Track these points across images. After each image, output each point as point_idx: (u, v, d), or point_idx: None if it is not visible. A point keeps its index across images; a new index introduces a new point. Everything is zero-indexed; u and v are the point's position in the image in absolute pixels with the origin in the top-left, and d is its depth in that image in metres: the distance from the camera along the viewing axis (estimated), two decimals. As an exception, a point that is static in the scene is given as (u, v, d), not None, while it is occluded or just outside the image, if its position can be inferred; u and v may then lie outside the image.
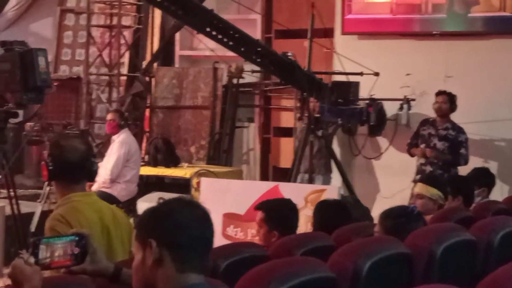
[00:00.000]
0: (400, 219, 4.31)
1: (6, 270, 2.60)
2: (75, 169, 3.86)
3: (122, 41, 11.58)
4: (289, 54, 8.81)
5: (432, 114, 9.24)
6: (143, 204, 8.53)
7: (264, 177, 11.45)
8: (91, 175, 4.03)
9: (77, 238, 2.83)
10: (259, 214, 4.86)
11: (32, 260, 2.64)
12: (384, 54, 10.11)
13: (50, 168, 3.84)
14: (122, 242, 3.89)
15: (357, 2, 10.37)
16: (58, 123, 10.04)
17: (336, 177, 9.65)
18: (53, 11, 12.44)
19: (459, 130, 8.99)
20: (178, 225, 2.57)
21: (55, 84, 8.87)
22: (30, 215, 7.90)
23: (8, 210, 5.68)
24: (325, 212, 5.09)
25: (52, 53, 11.86)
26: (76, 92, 11.68)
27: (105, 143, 10.50)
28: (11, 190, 5.46)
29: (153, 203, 2.72)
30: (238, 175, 10.60)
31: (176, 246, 2.56)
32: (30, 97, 4.84)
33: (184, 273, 2.56)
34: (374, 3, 10.40)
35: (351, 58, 9.72)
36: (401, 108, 9.99)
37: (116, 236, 3.88)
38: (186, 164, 10.62)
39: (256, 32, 11.29)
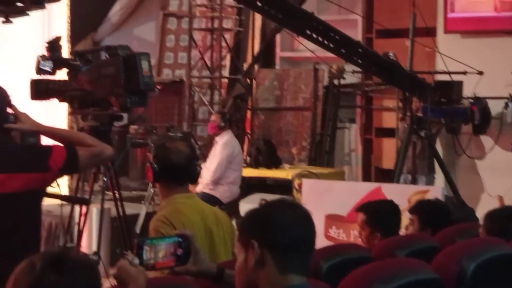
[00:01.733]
0: (505, 220, 4.22)
1: (112, 271, 2.64)
2: (179, 171, 3.92)
3: (223, 44, 11.68)
4: (390, 54, 8.73)
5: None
6: (245, 206, 8.57)
7: (366, 178, 11.38)
8: (194, 177, 4.08)
9: (180, 239, 2.85)
10: (361, 216, 4.83)
11: (136, 261, 2.67)
12: (488, 53, 9.91)
13: (155, 170, 3.91)
14: (224, 243, 3.91)
15: (460, 1, 10.21)
16: (161, 125, 10.18)
17: (439, 178, 9.52)
18: (155, 15, 12.64)
19: None
20: (280, 227, 2.58)
21: (158, 87, 8.99)
22: (135, 216, 8.04)
23: (113, 212, 5.79)
24: (425, 212, 5.03)
25: (155, 57, 12.05)
26: (178, 95, 11.83)
27: (208, 145, 10.61)
28: (116, 192, 5.56)
29: (255, 205, 2.73)
30: (340, 176, 10.55)
31: (278, 247, 2.56)
32: (133, 101, 4.92)
33: (285, 274, 2.56)
34: (478, 1, 10.21)
35: (454, 57, 9.57)
36: (506, 106, 9.78)
37: (218, 237, 3.91)
38: (288, 166, 10.64)
39: (357, 33, 11.23)
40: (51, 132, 3.79)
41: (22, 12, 4.62)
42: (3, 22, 4.61)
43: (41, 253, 2.22)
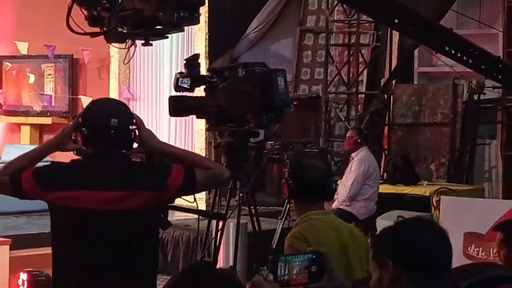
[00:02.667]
0: None
1: (248, 286, 2.67)
2: (314, 188, 3.92)
3: (360, 59, 11.64)
4: (532, 68, 8.49)
5: None
6: (382, 222, 8.48)
7: (507, 195, 11.06)
8: (330, 194, 4.07)
9: (315, 256, 2.84)
10: (499, 235, 4.68)
11: (271, 277, 2.68)
12: None
13: (291, 186, 3.92)
14: (359, 261, 3.88)
15: None
16: (297, 141, 10.20)
17: None
18: (293, 32, 12.71)
19: None
20: (416, 246, 2.54)
21: (295, 103, 9.03)
22: (271, 232, 8.08)
23: (250, 227, 5.83)
24: None
25: (292, 73, 12.11)
26: (315, 110, 11.85)
27: (344, 161, 10.57)
28: (252, 207, 5.60)
29: (392, 222, 2.70)
30: (479, 194, 10.31)
31: (413, 267, 2.52)
32: (269, 117, 4.94)
33: (421, 294, 2.52)
34: None
35: None
36: None
37: (353, 254, 3.88)
38: (426, 182, 10.47)
39: (497, 47, 10.97)
40: (171, 153, 3.83)
41: (161, 35, 4.70)
42: (143, 44, 4.71)
43: (191, 270, 2.25)
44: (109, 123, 3.62)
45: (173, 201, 3.75)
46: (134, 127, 3.73)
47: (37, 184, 3.57)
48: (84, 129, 3.66)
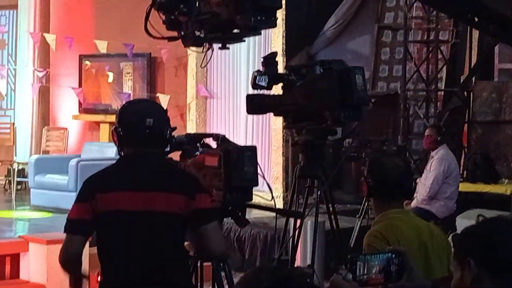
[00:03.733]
0: None
1: (326, 285, 2.65)
2: (394, 186, 3.89)
3: (440, 56, 11.49)
4: None
5: None
6: (462, 221, 8.35)
7: None
8: (409, 193, 4.04)
9: (394, 255, 2.81)
10: None
11: (350, 276, 2.66)
12: None
13: (370, 184, 3.90)
14: (439, 259, 3.83)
15: None
16: (375, 139, 10.13)
17: None
18: (370, 28, 12.62)
19: None
20: (499, 246, 2.48)
21: (373, 100, 8.97)
22: (349, 230, 8.03)
23: (327, 225, 5.80)
24: None
25: (370, 70, 12.02)
26: (393, 108, 11.74)
27: (423, 159, 10.45)
28: (330, 205, 5.57)
29: (472, 221, 2.65)
30: None
31: (496, 267, 2.47)
32: (347, 115, 4.91)
33: (505, 294, 2.47)
34: None
35: None
36: None
37: (433, 253, 3.83)
38: (506, 181, 10.29)
39: None
40: None
41: (238, 39, 4.72)
42: (220, 48, 4.73)
43: (270, 270, 2.24)
44: (145, 123, 3.65)
45: (186, 220, 3.70)
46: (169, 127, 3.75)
47: (79, 203, 3.64)
48: (120, 129, 3.70)
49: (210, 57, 4.74)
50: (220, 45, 4.74)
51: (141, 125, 3.65)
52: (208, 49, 4.72)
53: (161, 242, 3.63)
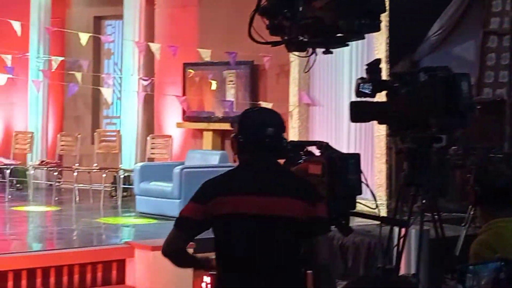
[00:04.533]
0: None
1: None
2: (501, 194, 3.82)
3: None
4: None
5: None
6: None
7: None
8: (518, 201, 3.95)
9: (503, 263, 2.75)
10: None
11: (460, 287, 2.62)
12: None
13: (477, 192, 3.84)
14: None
15: None
16: (481, 146, 9.94)
17: None
18: (475, 34, 12.38)
19: None
20: None
21: (478, 107, 8.81)
22: (454, 239, 7.90)
23: (432, 234, 5.72)
24: None
25: (475, 76, 11.80)
26: (499, 114, 11.49)
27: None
28: (435, 213, 5.49)
29: None
30: None
31: None
32: (453, 122, 4.85)
33: None
34: None
35: None
36: None
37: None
38: None
39: None
40: None
41: (341, 43, 4.70)
42: (323, 53, 4.72)
43: (374, 278, 2.23)
44: (265, 132, 3.73)
45: (303, 227, 3.72)
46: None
47: (196, 203, 3.72)
48: (240, 137, 3.76)
49: (314, 62, 4.73)
50: (323, 50, 4.73)
51: (261, 134, 3.73)
52: (311, 54, 4.72)
53: (278, 246, 3.68)
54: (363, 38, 4.70)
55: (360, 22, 4.37)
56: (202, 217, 3.70)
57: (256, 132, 3.75)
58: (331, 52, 4.76)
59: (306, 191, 3.74)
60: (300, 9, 4.50)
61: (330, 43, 4.68)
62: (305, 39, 4.61)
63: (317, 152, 4.44)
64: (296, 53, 4.89)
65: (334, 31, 4.58)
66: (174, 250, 3.80)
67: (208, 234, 3.78)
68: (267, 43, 4.71)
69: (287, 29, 4.59)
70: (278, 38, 4.72)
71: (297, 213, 3.66)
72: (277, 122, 3.82)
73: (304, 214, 3.67)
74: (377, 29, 4.49)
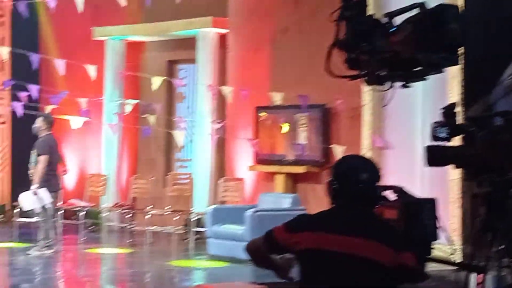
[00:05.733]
0: None
1: None
2: None
3: None
4: None
5: None
6: None
7: None
8: None
9: None
10: None
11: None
12: None
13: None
14: None
15: None
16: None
17: None
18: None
19: None
20: None
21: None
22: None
23: (509, 280, 5.59)
24: None
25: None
26: None
27: None
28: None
29: None
30: None
31: None
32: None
33: None
34: None
35: None
36: None
37: None
38: None
39: None
40: None
41: (420, 77, 4.68)
42: (402, 86, 4.71)
43: None
44: (358, 177, 3.83)
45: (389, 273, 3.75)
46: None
47: (286, 230, 3.88)
48: (334, 182, 3.87)
49: (392, 96, 4.72)
50: (401, 83, 4.71)
51: (354, 180, 3.83)
52: (389, 88, 4.71)
53: (360, 286, 3.73)
54: (441, 71, 4.67)
55: (438, 56, 4.37)
56: (287, 244, 3.86)
57: (349, 178, 3.85)
58: (409, 86, 4.74)
59: (394, 239, 3.81)
60: (378, 43, 4.50)
61: (409, 77, 4.67)
62: (383, 73, 4.61)
63: (392, 196, 4.40)
64: (373, 87, 4.88)
65: (413, 65, 4.57)
66: (256, 251, 4.06)
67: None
68: (345, 77, 4.73)
69: (365, 63, 4.60)
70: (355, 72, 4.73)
71: (383, 258, 3.71)
72: (372, 169, 3.92)
73: (390, 260, 3.71)
74: (456, 62, 4.49)
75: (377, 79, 4.65)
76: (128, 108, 13.61)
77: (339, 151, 11.69)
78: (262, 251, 4.00)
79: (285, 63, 13.21)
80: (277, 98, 12.45)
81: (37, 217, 11.80)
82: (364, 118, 12.02)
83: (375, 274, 3.72)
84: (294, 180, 13.07)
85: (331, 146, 12.30)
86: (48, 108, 13.32)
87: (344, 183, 3.85)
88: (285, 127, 13.20)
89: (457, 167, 5.42)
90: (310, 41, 12.53)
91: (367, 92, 11.78)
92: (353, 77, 4.76)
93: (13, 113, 14.00)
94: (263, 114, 13.47)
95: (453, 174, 10.34)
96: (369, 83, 4.74)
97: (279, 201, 11.57)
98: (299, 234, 3.82)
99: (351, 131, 12.35)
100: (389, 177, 11.59)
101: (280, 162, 13.16)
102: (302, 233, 3.82)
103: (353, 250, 3.71)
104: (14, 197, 13.58)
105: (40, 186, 11.35)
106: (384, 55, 4.52)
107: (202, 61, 14.23)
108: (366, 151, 11.89)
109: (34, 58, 12.41)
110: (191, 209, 13.36)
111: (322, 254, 3.76)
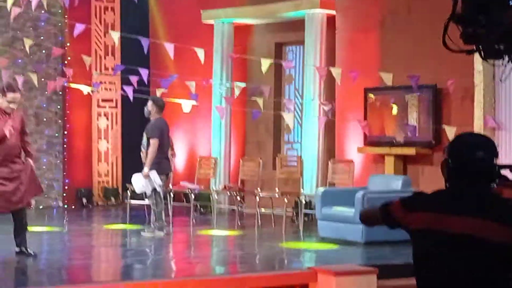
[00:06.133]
0: None
1: None
2: None
3: None
4: None
5: None
6: None
7: None
8: None
9: None
10: None
11: None
12: None
13: None
14: None
15: None
16: None
17: None
18: None
19: None
20: None
21: None
22: None
23: None
24: None
25: None
26: None
27: None
28: None
29: None
30: None
31: None
32: None
33: None
34: None
35: None
36: None
37: None
38: None
39: None
40: None
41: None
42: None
43: None
44: (475, 156, 3.72)
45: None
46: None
47: (403, 207, 3.80)
48: (449, 161, 3.78)
49: (510, 72, 4.58)
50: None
51: (471, 158, 3.73)
52: (507, 62, 4.58)
53: (473, 267, 3.63)
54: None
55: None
56: (401, 221, 3.81)
57: (466, 156, 3.75)
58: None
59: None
60: (497, 16, 4.37)
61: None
62: (501, 47, 4.48)
63: (511, 175, 4.27)
64: (492, 61, 4.76)
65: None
66: (369, 220, 4.07)
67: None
68: (461, 51, 4.61)
69: (482, 36, 4.47)
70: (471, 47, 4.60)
71: (504, 239, 3.60)
72: (489, 146, 3.80)
73: (509, 240, 3.60)
74: None
75: (495, 53, 4.53)
76: (237, 91, 13.65)
77: (450, 132, 11.45)
78: (376, 221, 3.97)
79: (395, 44, 13.01)
80: (387, 79, 12.26)
81: (149, 199, 11.98)
82: (476, 99, 11.75)
83: (493, 256, 3.61)
84: (404, 162, 12.90)
85: (442, 127, 12.05)
86: (158, 92, 13.47)
87: (460, 162, 3.75)
88: (395, 109, 13.02)
89: None
90: (420, 21, 12.32)
91: (479, 72, 11.51)
92: (469, 52, 4.65)
93: (124, 98, 14.23)
94: (372, 96, 13.32)
95: None
96: (485, 57, 4.62)
97: (389, 183, 11.43)
98: (413, 214, 3.76)
99: (463, 112, 12.09)
100: (503, 157, 11.34)
101: (390, 143, 12.99)
102: (416, 213, 3.75)
103: (469, 231, 3.61)
104: (126, 180, 13.83)
105: (151, 169, 11.51)
106: (502, 28, 4.39)
107: (310, 43, 14.15)
108: (478, 132, 11.62)
109: (144, 42, 12.55)
110: (300, 191, 13.33)
111: (435, 235, 3.68)
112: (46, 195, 15.42)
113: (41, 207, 15.47)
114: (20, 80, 12.89)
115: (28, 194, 9.53)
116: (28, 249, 9.45)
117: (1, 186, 9.23)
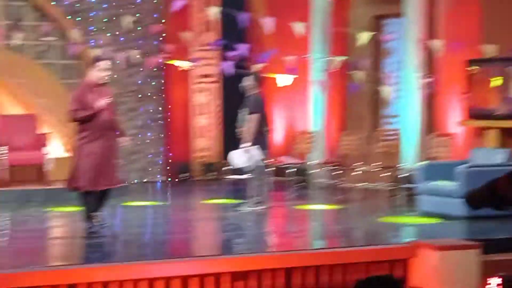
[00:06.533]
0: None
1: None
2: None
3: None
4: None
5: None
6: None
7: None
8: None
9: None
10: None
11: None
12: None
13: None
14: None
15: None
16: None
17: None
18: None
19: None
20: None
21: None
22: None
23: None
24: None
25: None
26: None
27: None
28: None
29: None
30: None
31: None
32: None
33: None
34: None
35: None
36: None
37: None
38: None
39: None
40: None
41: None
42: None
43: None
44: None
45: None
46: None
47: (510, 182, 3.79)
48: None
49: None
50: None
51: None
52: None
53: None
54: None
55: None
56: (508, 197, 3.80)
57: None
58: None
59: None
60: None
61: None
62: None
63: None
64: None
65: None
66: (475, 200, 4.09)
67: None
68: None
69: None
70: None
71: None
72: None
73: None
74: None
75: None
76: (336, 65, 13.55)
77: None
78: (482, 201, 3.90)
79: (498, 15, 12.70)
80: (490, 50, 11.98)
81: (248, 174, 12.04)
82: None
83: None
84: (506, 135, 12.62)
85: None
86: (257, 67, 13.49)
87: None
88: (498, 81, 12.72)
89: None
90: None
91: None
92: None
93: (223, 73, 14.30)
94: (474, 68, 13.04)
95: None
96: None
97: (492, 156, 11.19)
98: None
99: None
100: None
101: (492, 116, 12.72)
102: None
103: None
104: (226, 154, 13.94)
105: (251, 144, 11.55)
106: None
107: (409, 15, 13.92)
108: None
109: (242, 17, 12.56)
110: (398, 165, 13.19)
111: None
112: (150, 169, 15.76)
113: (145, 180, 15.77)
114: (122, 56, 13.07)
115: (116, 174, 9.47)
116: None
117: (105, 163, 9.24)
